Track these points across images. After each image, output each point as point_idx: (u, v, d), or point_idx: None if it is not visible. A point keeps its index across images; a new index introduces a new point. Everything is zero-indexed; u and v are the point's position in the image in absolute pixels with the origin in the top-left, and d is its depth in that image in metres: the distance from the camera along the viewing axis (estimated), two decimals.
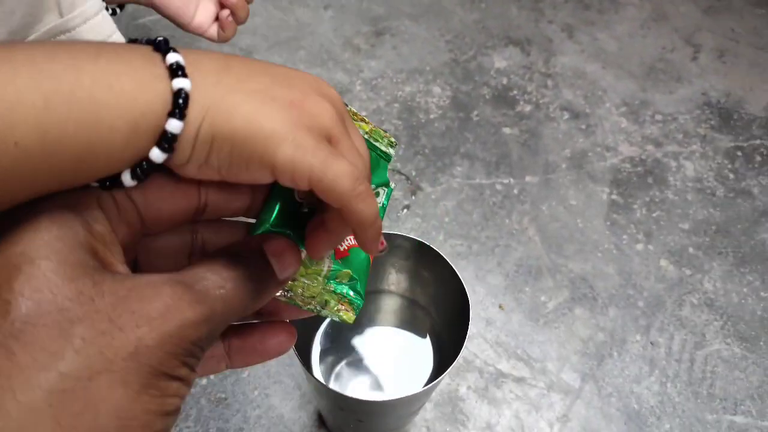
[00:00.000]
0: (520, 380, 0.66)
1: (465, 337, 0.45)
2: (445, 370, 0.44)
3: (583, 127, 0.90)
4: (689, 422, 0.64)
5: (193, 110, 0.19)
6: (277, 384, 0.63)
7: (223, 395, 0.62)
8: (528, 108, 0.92)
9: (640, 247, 0.78)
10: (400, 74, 0.94)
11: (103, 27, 0.39)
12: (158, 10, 0.59)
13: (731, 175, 0.86)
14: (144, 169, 0.20)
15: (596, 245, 0.77)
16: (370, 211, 0.21)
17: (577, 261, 0.76)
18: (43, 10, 0.37)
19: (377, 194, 0.28)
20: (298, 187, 0.21)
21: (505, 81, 0.95)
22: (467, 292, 0.48)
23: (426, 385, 0.52)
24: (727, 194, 0.84)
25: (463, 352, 0.67)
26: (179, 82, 0.19)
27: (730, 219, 0.81)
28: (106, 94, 0.18)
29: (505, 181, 0.83)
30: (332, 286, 0.25)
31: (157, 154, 0.19)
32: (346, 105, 0.25)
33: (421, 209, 0.79)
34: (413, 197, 0.80)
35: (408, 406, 0.48)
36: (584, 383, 0.66)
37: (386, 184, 0.28)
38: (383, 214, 0.27)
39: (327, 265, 0.26)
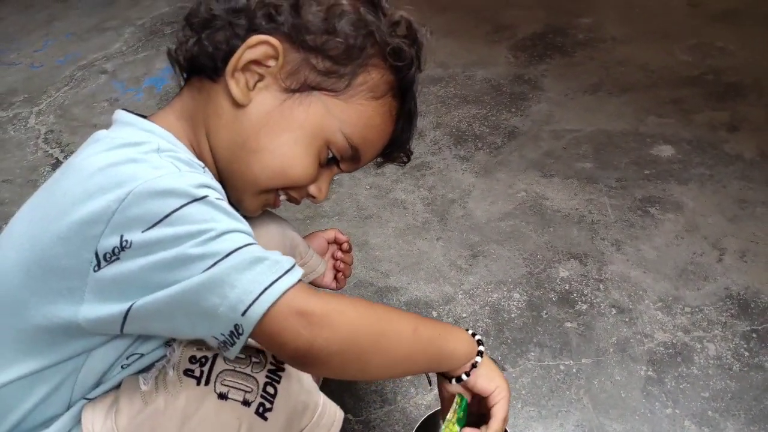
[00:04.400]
0: None
1: None
2: None
3: (627, 319, 1.22)
4: None
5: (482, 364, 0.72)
6: None
7: None
8: (584, 306, 1.26)
9: (668, 411, 1.06)
10: (490, 285, 1.34)
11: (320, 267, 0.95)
12: None
13: (746, 353, 1.13)
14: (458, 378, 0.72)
15: (634, 411, 1.07)
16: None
17: (620, 422, 1.05)
18: (294, 255, 0.86)
19: None
20: (489, 402, 0.73)
21: (567, 287, 1.31)
22: None
23: None
24: (742, 368, 1.11)
25: None
26: (479, 356, 0.70)
27: (744, 388, 1.08)
28: (454, 342, 0.69)
29: (567, 362, 1.16)
30: None
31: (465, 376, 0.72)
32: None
33: None
34: None
35: None
36: None
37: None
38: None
39: None
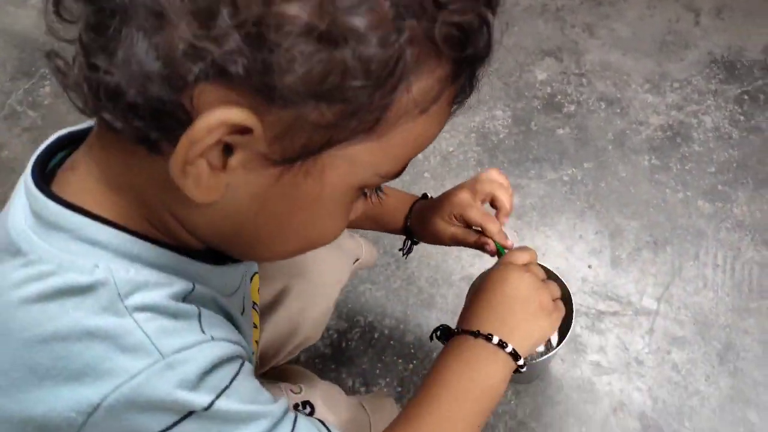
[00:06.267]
0: (614, 314, 0.96)
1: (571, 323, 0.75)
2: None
3: (618, 110, 1.17)
4: (738, 312, 0.92)
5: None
6: None
7: None
8: (572, 107, 1.19)
9: (680, 195, 1.05)
10: (468, 109, 1.23)
11: None
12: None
13: (742, 118, 1.11)
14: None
15: (647, 203, 1.06)
16: None
17: (636, 218, 1.04)
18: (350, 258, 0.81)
19: None
20: None
21: (549, 90, 1.23)
22: (562, 265, 0.79)
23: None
24: (741, 134, 1.10)
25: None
26: (520, 361, 0.55)
27: (746, 154, 1.07)
28: (493, 375, 0.55)
29: (569, 171, 1.12)
30: None
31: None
32: None
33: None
34: None
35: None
36: (659, 305, 0.95)
37: None
38: None
39: None
